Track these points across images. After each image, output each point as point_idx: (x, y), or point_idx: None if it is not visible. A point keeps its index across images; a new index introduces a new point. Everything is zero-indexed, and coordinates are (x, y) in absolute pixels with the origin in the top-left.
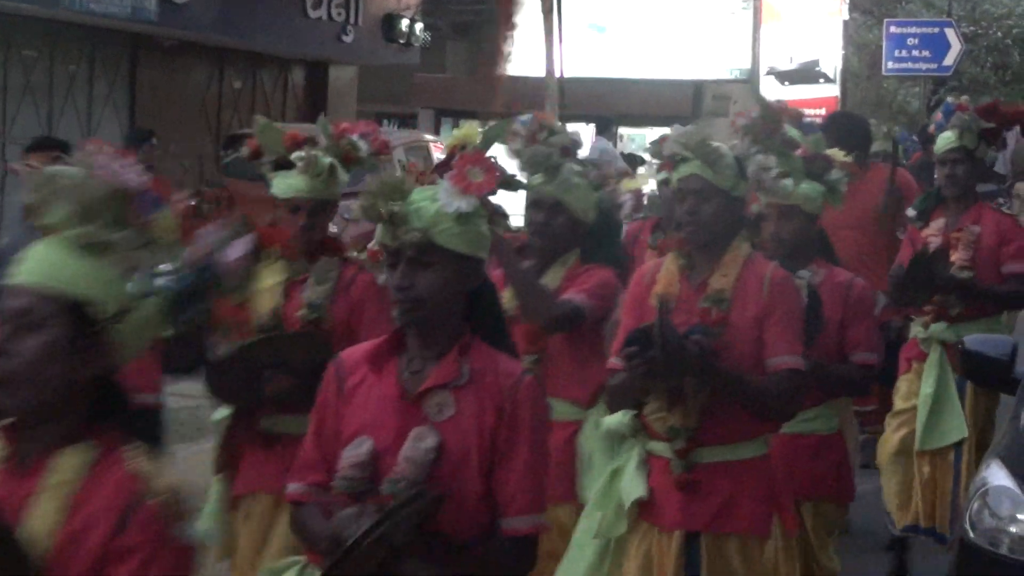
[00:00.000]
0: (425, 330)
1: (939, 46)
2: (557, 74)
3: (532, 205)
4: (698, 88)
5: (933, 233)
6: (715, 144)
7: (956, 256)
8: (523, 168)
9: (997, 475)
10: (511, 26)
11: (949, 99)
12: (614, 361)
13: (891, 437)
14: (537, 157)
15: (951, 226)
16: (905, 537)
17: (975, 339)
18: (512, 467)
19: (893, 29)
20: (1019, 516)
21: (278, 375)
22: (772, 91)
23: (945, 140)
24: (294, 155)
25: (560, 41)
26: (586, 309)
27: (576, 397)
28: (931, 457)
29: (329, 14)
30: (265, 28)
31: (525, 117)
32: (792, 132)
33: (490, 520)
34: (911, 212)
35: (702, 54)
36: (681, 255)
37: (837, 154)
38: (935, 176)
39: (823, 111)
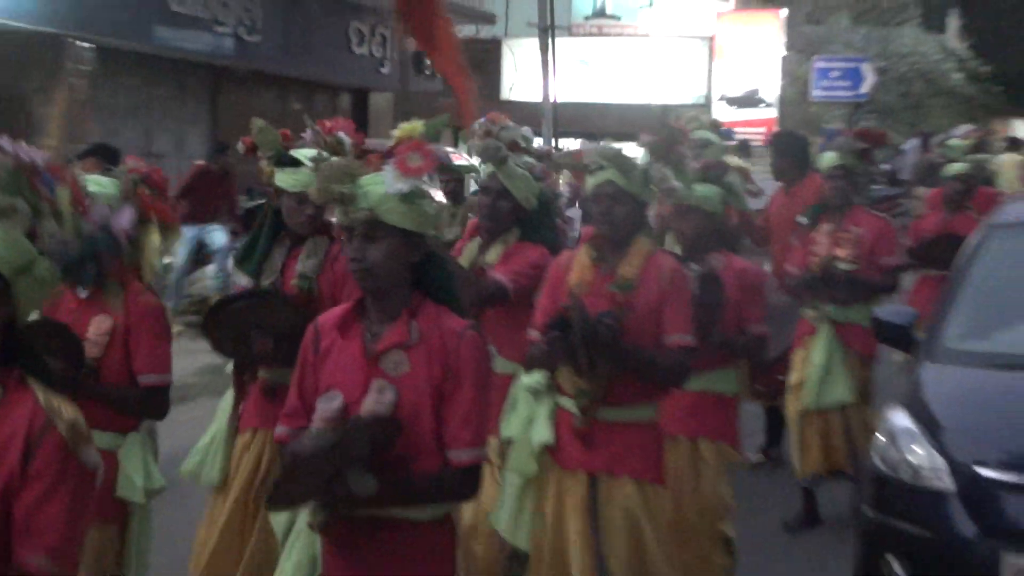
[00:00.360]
0: (379, 296)
1: (856, 78)
2: (552, 99)
3: (481, 191)
4: (663, 110)
5: (822, 235)
6: (627, 156)
7: (843, 252)
8: (479, 158)
9: (900, 418)
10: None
11: (832, 125)
12: (534, 335)
13: (792, 404)
14: (488, 150)
15: (836, 228)
16: (811, 482)
17: (885, 310)
18: (456, 409)
19: (819, 64)
20: (915, 448)
21: (262, 336)
22: (723, 113)
23: (828, 159)
24: (309, 156)
25: (554, 73)
26: (510, 288)
27: (509, 355)
28: (825, 415)
29: (370, 51)
30: (319, 62)
31: (482, 120)
32: (711, 137)
33: (445, 460)
34: (802, 219)
35: (667, 83)
36: (593, 248)
37: (734, 161)
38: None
39: (764, 130)
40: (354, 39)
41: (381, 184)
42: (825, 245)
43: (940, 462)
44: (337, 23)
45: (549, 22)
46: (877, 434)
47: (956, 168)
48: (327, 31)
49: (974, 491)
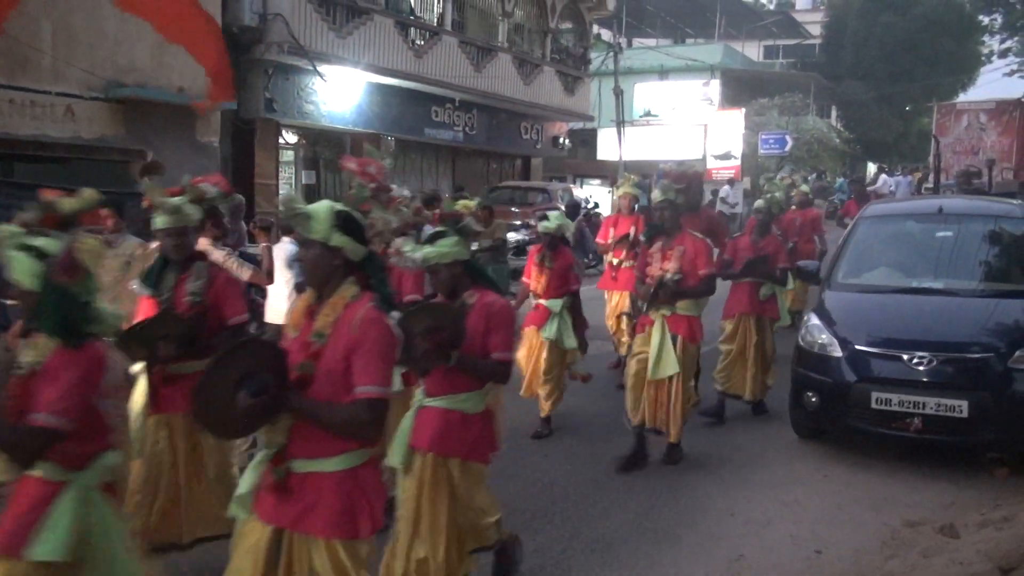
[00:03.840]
0: None
1: (782, 143)
2: (622, 158)
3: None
4: (679, 162)
5: (655, 250)
6: (303, 209)
7: (670, 265)
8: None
9: (813, 318)
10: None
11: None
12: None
13: (631, 367)
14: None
15: (666, 246)
16: (640, 429)
17: (805, 264)
18: None
19: (763, 135)
20: (821, 334)
21: (166, 344)
22: (711, 163)
23: (655, 195)
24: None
25: (621, 145)
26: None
27: None
28: (656, 384)
29: (531, 136)
30: (504, 143)
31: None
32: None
33: None
34: (642, 237)
35: (682, 148)
36: (309, 295)
37: (468, 206)
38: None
39: (733, 172)
40: (522, 131)
41: None
42: (658, 259)
43: (834, 341)
44: (514, 122)
45: (620, 119)
46: (802, 325)
47: (758, 204)
48: (508, 126)
49: (852, 356)
